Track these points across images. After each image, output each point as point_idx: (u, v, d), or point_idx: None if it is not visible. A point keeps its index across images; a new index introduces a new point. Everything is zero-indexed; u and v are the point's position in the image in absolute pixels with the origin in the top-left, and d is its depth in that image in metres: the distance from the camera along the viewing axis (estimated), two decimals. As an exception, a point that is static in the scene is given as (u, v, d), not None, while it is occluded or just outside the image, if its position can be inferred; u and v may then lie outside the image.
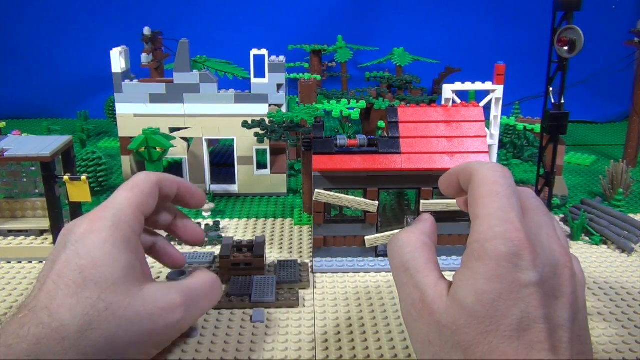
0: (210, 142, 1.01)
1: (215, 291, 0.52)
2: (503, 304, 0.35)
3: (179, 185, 0.54)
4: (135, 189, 0.49)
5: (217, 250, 0.75)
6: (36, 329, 0.40)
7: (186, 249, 0.76)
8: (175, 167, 1.04)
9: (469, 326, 0.36)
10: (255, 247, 0.67)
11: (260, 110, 0.92)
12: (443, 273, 0.41)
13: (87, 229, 0.45)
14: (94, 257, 0.43)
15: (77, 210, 0.79)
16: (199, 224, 0.84)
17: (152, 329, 0.44)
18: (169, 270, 0.56)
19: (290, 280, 0.65)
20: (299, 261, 0.69)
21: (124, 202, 0.48)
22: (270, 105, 0.93)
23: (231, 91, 0.93)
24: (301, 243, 0.79)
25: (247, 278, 0.64)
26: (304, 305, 0.62)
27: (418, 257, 0.42)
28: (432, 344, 0.38)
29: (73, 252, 0.44)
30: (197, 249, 0.76)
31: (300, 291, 0.64)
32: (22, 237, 0.75)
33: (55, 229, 0.72)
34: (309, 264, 0.70)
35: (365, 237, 0.70)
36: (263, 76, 0.92)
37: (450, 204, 0.68)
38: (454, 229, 0.70)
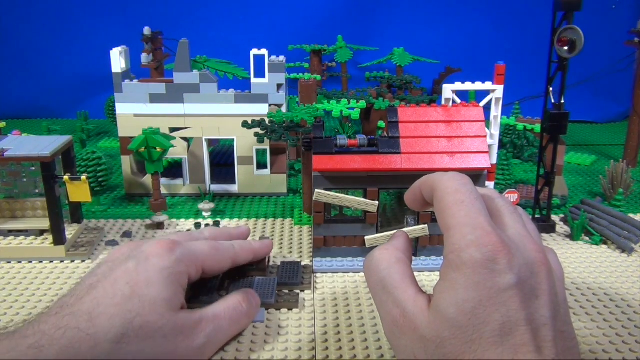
0: (210, 142, 1.01)
1: (240, 317, 0.54)
2: (484, 311, 0.35)
3: (255, 255, 0.61)
4: (214, 252, 0.54)
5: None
6: (72, 332, 0.41)
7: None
8: (175, 167, 1.04)
9: (453, 337, 0.36)
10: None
11: (260, 110, 0.92)
12: (437, 273, 0.41)
13: (153, 251, 0.49)
14: (149, 277, 0.46)
15: (77, 210, 0.79)
16: (199, 224, 0.84)
17: (174, 351, 0.46)
18: None
19: (291, 282, 0.65)
20: (302, 263, 0.69)
21: (197, 251, 0.53)
22: (270, 105, 0.93)
23: (231, 91, 0.93)
24: (301, 243, 0.79)
25: (248, 279, 0.64)
26: (304, 306, 0.62)
27: (394, 273, 0.42)
28: (418, 359, 0.38)
29: (133, 267, 0.47)
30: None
31: (300, 292, 0.64)
32: (22, 237, 0.75)
33: (56, 229, 0.72)
34: (311, 267, 0.70)
35: (365, 237, 0.70)
36: (263, 76, 0.92)
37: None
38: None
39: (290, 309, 0.61)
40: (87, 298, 0.44)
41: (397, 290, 0.41)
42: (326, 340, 0.56)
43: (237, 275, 0.65)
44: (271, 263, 0.71)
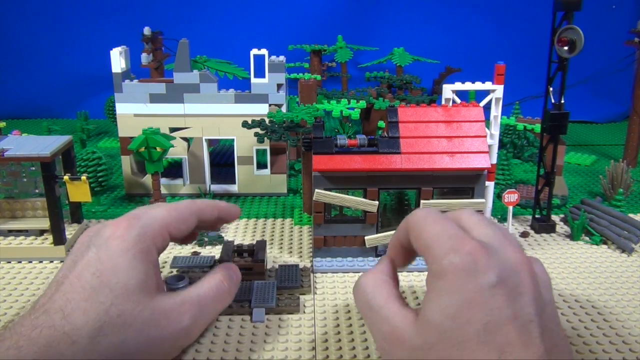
0: (210, 142, 1.01)
1: (223, 295, 0.53)
2: (467, 312, 0.36)
3: (220, 211, 0.55)
4: (172, 212, 0.51)
5: (216, 252, 0.75)
6: (48, 331, 0.40)
7: (185, 251, 0.76)
8: (175, 167, 1.04)
9: (440, 342, 0.36)
10: (256, 252, 0.67)
11: (260, 110, 0.92)
12: None
13: (112, 234, 0.46)
14: (114, 263, 0.44)
15: (77, 210, 0.79)
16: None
17: (159, 337, 0.45)
18: (168, 275, 0.57)
19: (291, 286, 0.64)
20: (300, 265, 0.68)
21: (155, 218, 0.49)
22: (270, 105, 0.93)
23: (231, 91, 0.93)
24: (301, 243, 0.79)
25: (247, 283, 0.64)
26: (304, 306, 0.62)
27: (378, 294, 0.43)
28: None
29: (95, 255, 0.45)
30: (198, 250, 0.76)
31: (300, 296, 0.64)
32: (22, 237, 0.75)
33: (56, 229, 0.72)
34: (310, 267, 0.70)
35: (365, 237, 0.70)
36: (263, 76, 0.92)
37: (450, 204, 0.68)
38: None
39: (291, 313, 0.61)
40: (57, 295, 0.43)
41: (383, 309, 0.42)
42: (326, 341, 0.56)
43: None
44: (270, 266, 0.70)
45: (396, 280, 0.47)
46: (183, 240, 0.56)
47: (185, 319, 0.47)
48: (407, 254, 0.47)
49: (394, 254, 0.48)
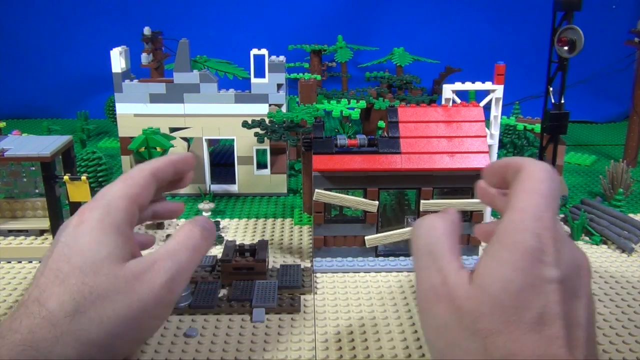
0: (210, 142, 1.01)
1: (196, 241, 0.48)
2: (527, 296, 0.35)
3: (175, 165, 0.52)
4: (129, 181, 0.48)
5: (217, 252, 0.75)
6: (27, 319, 0.41)
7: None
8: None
9: (493, 314, 0.36)
10: (257, 251, 0.67)
11: (260, 110, 0.92)
12: None
13: (78, 221, 0.45)
14: (81, 245, 0.44)
15: (77, 210, 0.79)
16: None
17: (138, 301, 0.43)
18: None
19: (292, 286, 0.64)
20: (302, 266, 0.69)
21: (116, 193, 0.47)
22: (270, 105, 0.93)
23: (231, 91, 0.93)
24: (301, 243, 0.79)
25: (249, 283, 0.64)
26: (305, 306, 0.62)
27: (444, 241, 0.42)
28: (448, 330, 0.37)
29: (63, 244, 0.44)
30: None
31: (301, 296, 0.64)
32: (22, 237, 0.75)
33: (56, 229, 0.72)
34: (311, 267, 0.70)
35: (365, 237, 0.70)
36: (263, 76, 0.92)
37: (450, 204, 0.68)
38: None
39: (292, 313, 0.61)
40: (32, 289, 0.43)
41: (443, 259, 0.40)
42: (326, 341, 0.56)
43: (236, 277, 0.65)
44: (270, 266, 0.70)
45: (460, 237, 0.44)
46: (155, 213, 0.53)
47: (160, 276, 0.44)
48: (501, 182, 0.44)
49: (490, 173, 0.45)
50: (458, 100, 0.74)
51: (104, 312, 0.42)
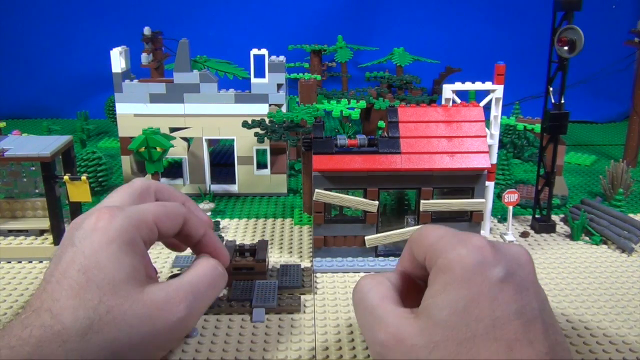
0: (210, 142, 1.01)
1: (218, 279, 0.49)
2: (476, 307, 0.35)
3: (216, 250, 0.52)
4: (160, 207, 0.47)
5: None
6: (38, 330, 0.39)
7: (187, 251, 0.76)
8: (175, 167, 1.04)
9: (447, 340, 0.35)
10: (257, 251, 0.67)
11: (260, 110, 0.92)
12: None
13: (95, 226, 0.43)
14: (98, 258, 0.42)
15: (77, 210, 0.79)
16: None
17: (153, 330, 0.43)
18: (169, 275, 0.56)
19: (292, 286, 0.64)
20: (302, 266, 0.69)
21: (141, 209, 0.46)
22: (270, 105, 0.93)
23: (231, 91, 0.93)
24: (301, 243, 0.79)
25: (249, 283, 0.64)
26: (305, 306, 0.62)
27: (374, 293, 0.42)
28: None
29: (79, 251, 0.43)
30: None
31: (301, 296, 0.64)
32: (22, 237, 0.75)
33: (56, 229, 0.72)
34: (311, 267, 0.70)
35: (365, 237, 0.70)
36: (263, 76, 0.92)
37: (450, 204, 0.68)
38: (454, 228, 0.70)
39: (292, 313, 0.61)
40: (44, 294, 0.41)
41: (377, 308, 0.41)
42: (326, 341, 0.56)
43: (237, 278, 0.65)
44: (270, 266, 0.70)
45: (397, 287, 0.45)
46: (171, 243, 0.54)
47: (180, 309, 0.44)
48: (414, 270, 0.45)
49: (401, 268, 0.47)
50: (458, 100, 0.74)
51: (117, 334, 0.41)
